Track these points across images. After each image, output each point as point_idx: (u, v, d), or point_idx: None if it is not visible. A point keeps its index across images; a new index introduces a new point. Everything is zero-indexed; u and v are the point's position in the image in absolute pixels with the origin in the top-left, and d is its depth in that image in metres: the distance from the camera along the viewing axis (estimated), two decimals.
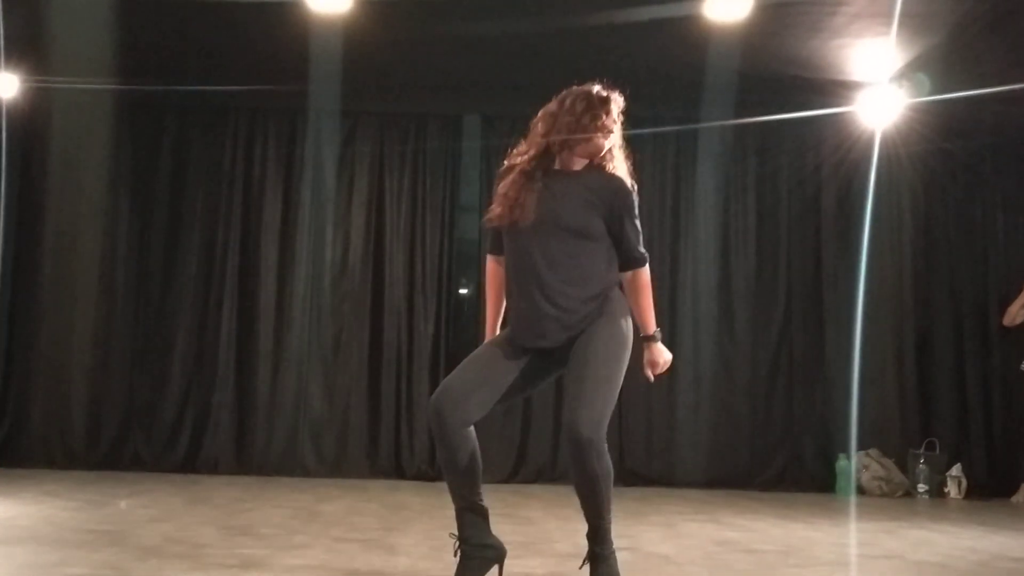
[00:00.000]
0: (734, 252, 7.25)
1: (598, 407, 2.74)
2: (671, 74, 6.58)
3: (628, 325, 2.95)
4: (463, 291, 7.66)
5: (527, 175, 2.93)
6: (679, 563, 3.61)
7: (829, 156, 7.19)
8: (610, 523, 2.91)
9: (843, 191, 7.23)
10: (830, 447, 6.97)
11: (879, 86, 6.55)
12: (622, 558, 3.67)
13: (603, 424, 2.75)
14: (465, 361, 2.99)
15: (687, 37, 5.89)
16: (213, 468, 6.85)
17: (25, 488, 5.48)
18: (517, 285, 2.88)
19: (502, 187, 2.96)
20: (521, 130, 7.58)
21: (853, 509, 5.95)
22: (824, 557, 3.88)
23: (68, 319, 7.02)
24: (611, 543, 2.93)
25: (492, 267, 3.08)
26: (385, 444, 7.00)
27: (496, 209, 2.92)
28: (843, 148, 7.08)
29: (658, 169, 7.29)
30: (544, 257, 2.82)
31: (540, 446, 7.03)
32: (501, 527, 4.43)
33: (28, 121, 6.98)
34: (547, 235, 2.83)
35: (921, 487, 6.76)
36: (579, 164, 2.99)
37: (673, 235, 7.27)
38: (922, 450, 6.89)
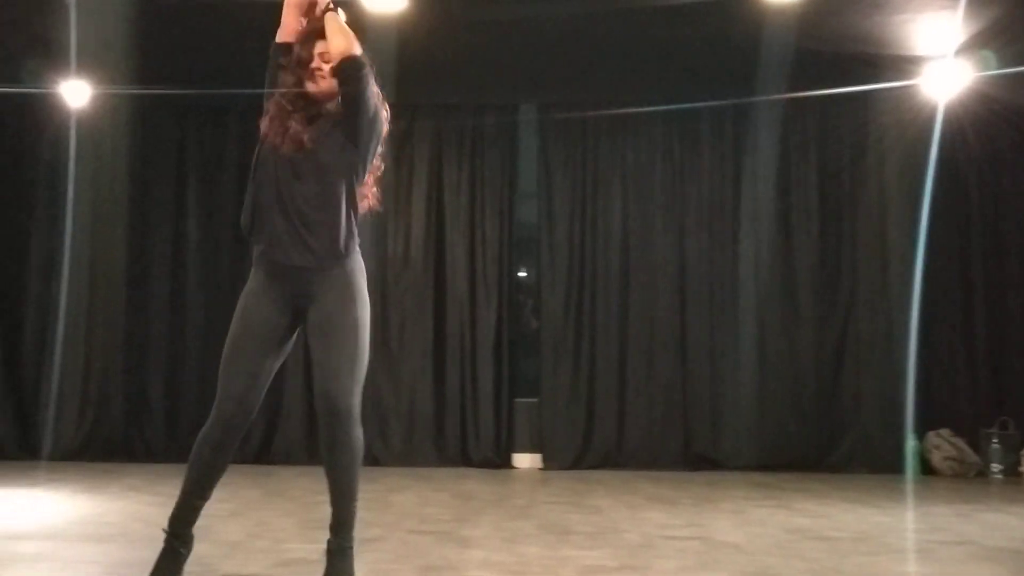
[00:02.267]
0: (796, 230, 7.17)
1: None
2: (728, 54, 6.52)
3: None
4: (522, 274, 7.71)
5: None
6: (750, 552, 3.63)
7: (891, 132, 7.05)
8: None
9: (906, 167, 7.08)
10: (899, 427, 6.87)
11: (943, 60, 6.40)
12: (693, 547, 3.71)
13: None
14: None
15: (744, 17, 5.82)
16: (285, 459, 7.02)
17: (109, 483, 5.69)
18: None
19: None
20: (577, 116, 7.63)
21: (925, 491, 5.89)
22: (896, 544, 3.87)
23: (144, 317, 7.24)
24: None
25: None
26: (451, 432, 7.10)
27: None
28: (905, 124, 6.93)
29: (717, 149, 7.25)
30: None
31: (605, 431, 7.06)
32: (568, 516, 4.52)
33: (99, 127, 7.18)
34: None
35: (995, 467, 6.65)
36: None
37: (733, 214, 7.22)
38: (995, 429, 6.77)
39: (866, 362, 7.03)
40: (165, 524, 2.93)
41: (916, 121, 6.89)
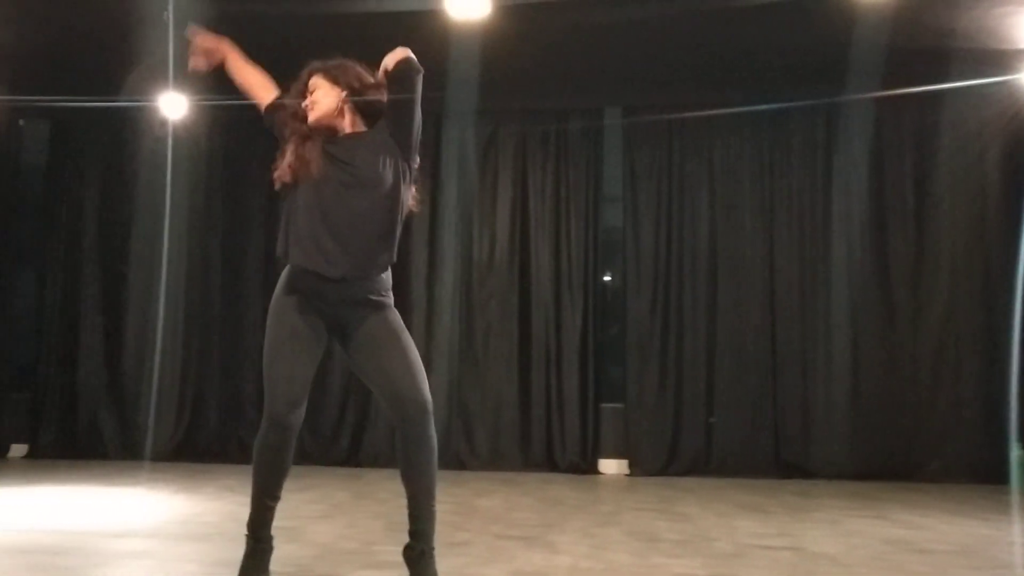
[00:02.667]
0: (891, 231, 6.95)
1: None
2: (816, 56, 6.38)
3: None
4: (607, 278, 7.67)
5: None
6: (847, 564, 3.53)
7: (991, 128, 6.79)
8: None
9: (1009, 163, 6.82)
10: (1003, 435, 6.60)
11: None
12: (785, 557, 3.63)
13: None
14: None
15: (836, 15, 5.68)
16: (374, 461, 7.12)
17: (205, 483, 5.85)
18: None
19: None
20: (662, 119, 7.54)
21: None
22: (1002, 558, 3.71)
23: (238, 322, 7.46)
24: None
25: None
26: (537, 437, 7.10)
27: None
28: (1006, 119, 6.67)
29: (808, 154, 7.08)
30: None
31: (693, 438, 6.96)
32: (656, 523, 4.46)
33: (195, 138, 7.41)
34: None
35: None
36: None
37: (824, 215, 7.04)
38: None
39: (966, 367, 6.77)
40: (245, 528, 3.02)
41: (1016, 116, 6.62)
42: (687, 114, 7.05)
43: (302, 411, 3.00)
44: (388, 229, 2.98)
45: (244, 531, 3.03)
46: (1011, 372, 6.58)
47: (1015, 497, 5.91)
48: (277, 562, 3.36)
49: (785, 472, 6.73)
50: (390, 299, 3.06)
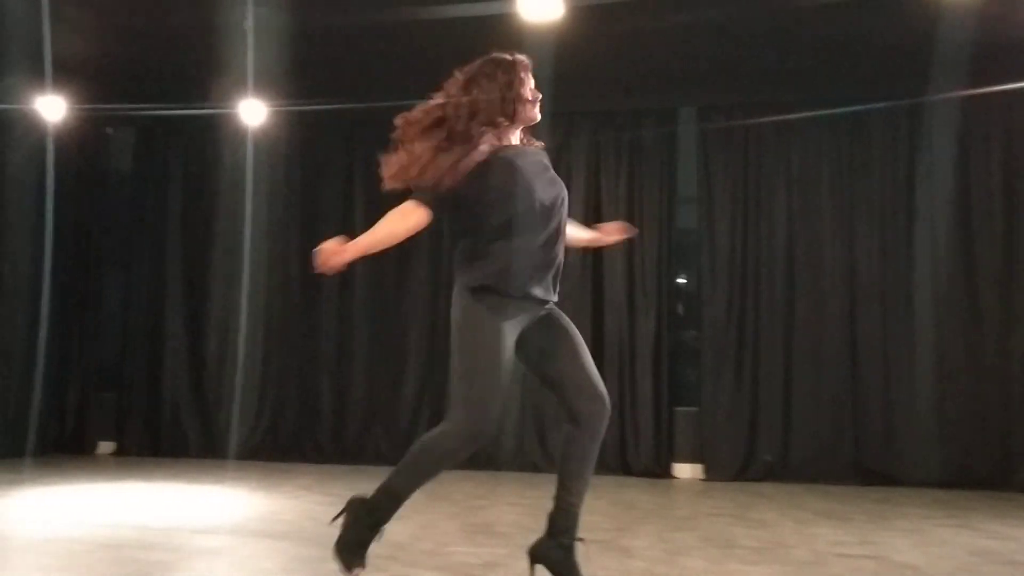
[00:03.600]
0: (977, 231, 6.71)
1: None
2: (898, 51, 6.21)
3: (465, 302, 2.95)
4: (681, 280, 7.58)
5: None
6: (931, 574, 3.42)
7: None
8: None
9: None
10: None
11: None
12: (867, 566, 3.54)
13: None
14: None
15: (919, 10, 5.52)
16: None
17: (283, 483, 5.97)
18: None
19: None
20: (738, 118, 7.45)
21: None
22: None
23: (315, 324, 7.59)
24: None
25: None
26: (610, 440, 7.04)
27: None
28: None
29: (889, 154, 6.89)
30: None
31: (770, 442, 6.84)
32: (732, 529, 4.39)
33: (273, 143, 7.58)
34: None
35: None
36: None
37: (907, 216, 6.84)
38: None
39: None
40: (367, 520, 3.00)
41: None
42: (764, 119, 6.93)
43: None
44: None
45: (367, 523, 3.02)
46: None
47: None
48: None
49: (866, 479, 6.56)
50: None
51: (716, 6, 5.69)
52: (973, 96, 6.43)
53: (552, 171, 3.09)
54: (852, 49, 6.29)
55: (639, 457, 6.97)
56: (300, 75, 6.55)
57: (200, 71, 6.60)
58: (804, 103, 6.87)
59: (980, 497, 5.96)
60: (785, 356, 6.89)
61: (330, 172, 7.73)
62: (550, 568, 2.98)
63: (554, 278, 3.01)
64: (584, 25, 5.84)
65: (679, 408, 7.11)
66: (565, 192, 3.05)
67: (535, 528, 4.27)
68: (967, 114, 6.65)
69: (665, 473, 6.95)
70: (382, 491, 2.99)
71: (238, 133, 7.51)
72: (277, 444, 7.49)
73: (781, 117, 6.81)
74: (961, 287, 6.67)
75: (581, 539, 2.99)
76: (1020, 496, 6.06)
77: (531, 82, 3.10)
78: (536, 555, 3.03)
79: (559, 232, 2.99)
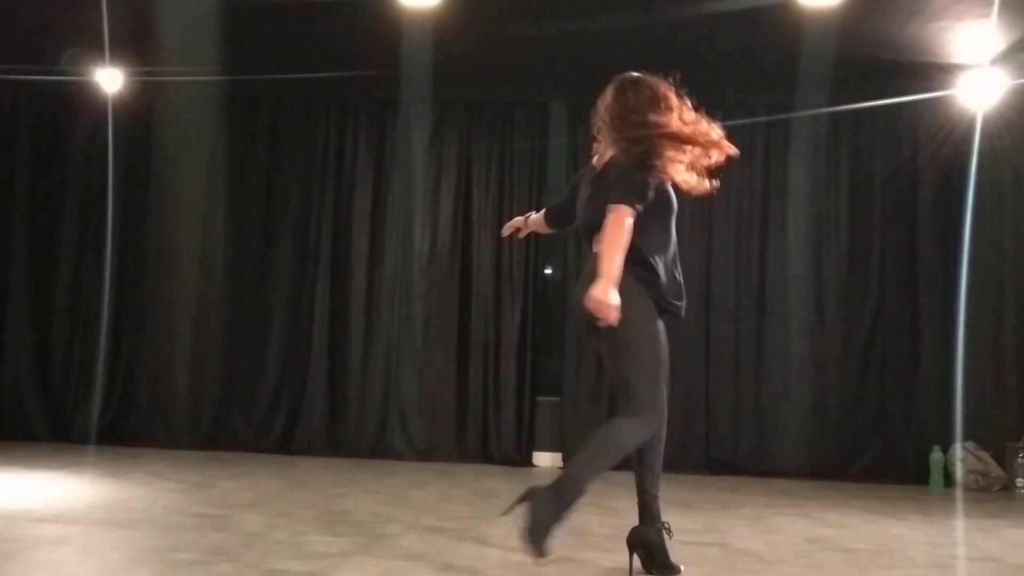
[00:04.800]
0: (825, 243, 7.10)
1: None
2: (762, 62, 6.49)
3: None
4: (548, 271, 7.69)
5: None
6: (769, 561, 3.61)
7: (927, 142, 6.97)
8: None
9: (941, 178, 7.01)
10: (924, 439, 6.81)
11: (980, 68, 6.33)
12: (710, 553, 3.70)
13: None
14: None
15: (779, 24, 5.79)
16: (307, 450, 7.06)
17: (133, 468, 5.75)
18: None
19: None
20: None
21: (948, 504, 5.82)
22: (918, 558, 3.83)
23: (170, 304, 7.32)
24: None
25: None
26: (473, 429, 7.11)
27: None
28: (942, 134, 6.87)
29: (747, 159, 7.18)
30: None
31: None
32: (588, 518, 4.51)
33: (131, 113, 7.27)
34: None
35: (1020, 482, 6.56)
36: None
37: (762, 227, 7.16)
38: (1021, 443, 6.68)
39: (892, 372, 6.96)
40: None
41: (952, 132, 6.82)
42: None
43: None
44: None
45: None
46: (934, 380, 6.81)
47: (933, 499, 6.10)
48: (201, 551, 3.33)
49: (715, 469, 6.85)
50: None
51: (591, 11, 5.79)
52: (826, 113, 6.82)
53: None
54: (716, 61, 6.53)
55: (500, 446, 7.06)
56: (161, 40, 6.31)
57: (53, 36, 6.27)
58: None
59: (819, 487, 6.32)
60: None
61: (192, 144, 7.45)
62: (649, 551, 3.26)
63: None
64: (461, 13, 5.85)
65: (542, 398, 7.23)
66: None
67: (391, 516, 4.28)
68: (819, 129, 7.02)
69: (526, 462, 7.06)
70: (567, 481, 3.12)
71: (95, 103, 7.19)
72: (127, 428, 7.20)
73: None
74: (807, 291, 7.04)
75: (666, 524, 3.30)
76: (855, 486, 6.47)
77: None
78: (635, 542, 3.28)
79: None
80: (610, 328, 3.06)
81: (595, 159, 3.38)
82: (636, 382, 3.12)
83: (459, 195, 7.32)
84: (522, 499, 3.09)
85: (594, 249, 3.20)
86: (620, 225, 3.07)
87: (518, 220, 3.87)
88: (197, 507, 4.36)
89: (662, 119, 3.21)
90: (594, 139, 3.40)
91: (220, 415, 7.24)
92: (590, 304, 3.02)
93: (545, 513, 3.04)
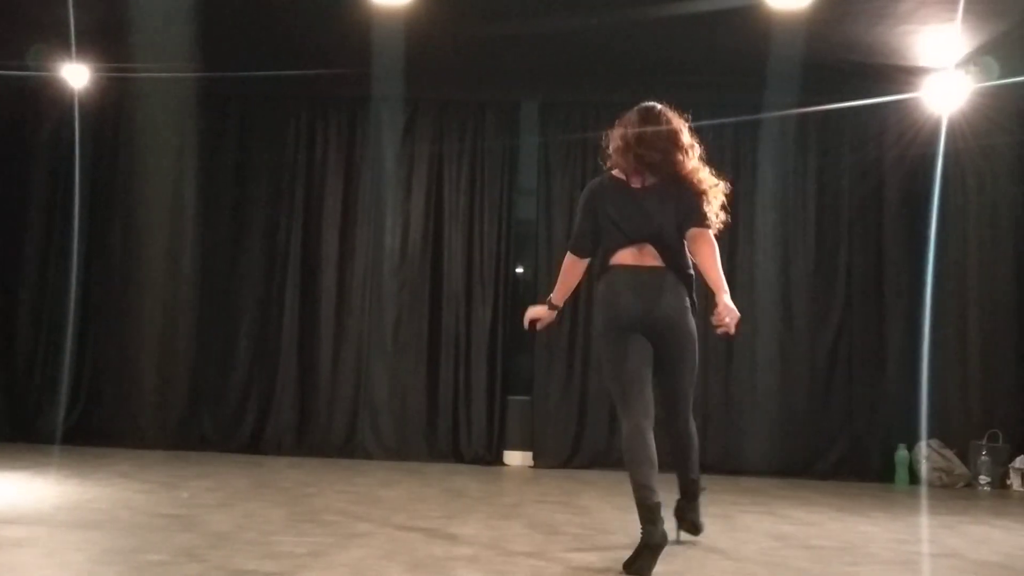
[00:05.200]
0: (793, 242, 7.17)
1: None
2: (732, 64, 6.54)
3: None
4: (519, 270, 7.71)
5: None
6: (736, 559, 3.65)
7: (893, 144, 7.07)
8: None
9: (907, 179, 7.11)
10: (889, 437, 6.90)
11: (945, 72, 6.43)
12: (677, 551, 3.73)
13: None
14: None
15: (748, 26, 5.84)
16: (276, 449, 7.03)
17: (99, 468, 5.69)
18: None
19: None
20: (577, 115, 7.65)
21: (912, 501, 5.91)
22: (882, 555, 3.88)
23: (137, 303, 7.26)
24: None
25: None
26: (443, 428, 7.11)
27: None
28: (907, 135, 6.96)
29: (716, 160, 7.20)
30: None
31: (596, 431, 7.07)
32: (557, 516, 4.53)
33: (98, 110, 7.20)
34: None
35: (983, 479, 6.68)
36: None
37: (731, 227, 7.13)
38: (984, 441, 6.80)
39: (858, 371, 7.04)
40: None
41: (918, 134, 6.91)
42: (602, 111, 7.12)
43: None
44: None
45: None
46: (900, 379, 6.90)
47: (898, 496, 6.18)
48: (169, 551, 3.30)
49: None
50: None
51: (562, 11, 5.81)
52: (795, 114, 6.89)
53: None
54: (686, 62, 6.58)
55: (471, 445, 7.06)
56: (130, 36, 6.25)
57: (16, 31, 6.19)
58: (640, 103, 7.12)
59: (785, 484, 6.39)
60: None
61: (161, 141, 7.38)
62: (688, 521, 3.88)
63: None
64: (432, 12, 5.84)
65: (512, 397, 7.25)
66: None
67: (362, 515, 4.27)
68: (787, 130, 7.09)
69: (496, 461, 7.06)
70: (696, 485, 3.92)
71: (61, 99, 7.10)
72: (93, 428, 7.13)
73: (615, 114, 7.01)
74: (775, 290, 7.11)
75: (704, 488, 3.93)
76: (820, 484, 6.54)
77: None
78: (681, 516, 3.88)
79: None
80: (693, 341, 3.68)
81: (626, 177, 3.57)
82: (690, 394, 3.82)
83: (430, 194, 7.31)
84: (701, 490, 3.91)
85: (651, 254, 3.51)
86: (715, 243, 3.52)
87: (539, 311, 3.90)
88: (164, 507, 4.32)
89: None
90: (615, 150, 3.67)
91: (188, 414, 7.18)
92: (732, 315, 3.40)
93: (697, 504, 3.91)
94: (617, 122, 3.69)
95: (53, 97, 7.13)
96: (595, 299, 3.57)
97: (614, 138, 3.64)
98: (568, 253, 3.72)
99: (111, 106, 7.26)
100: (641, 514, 3.23)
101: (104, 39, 6.40)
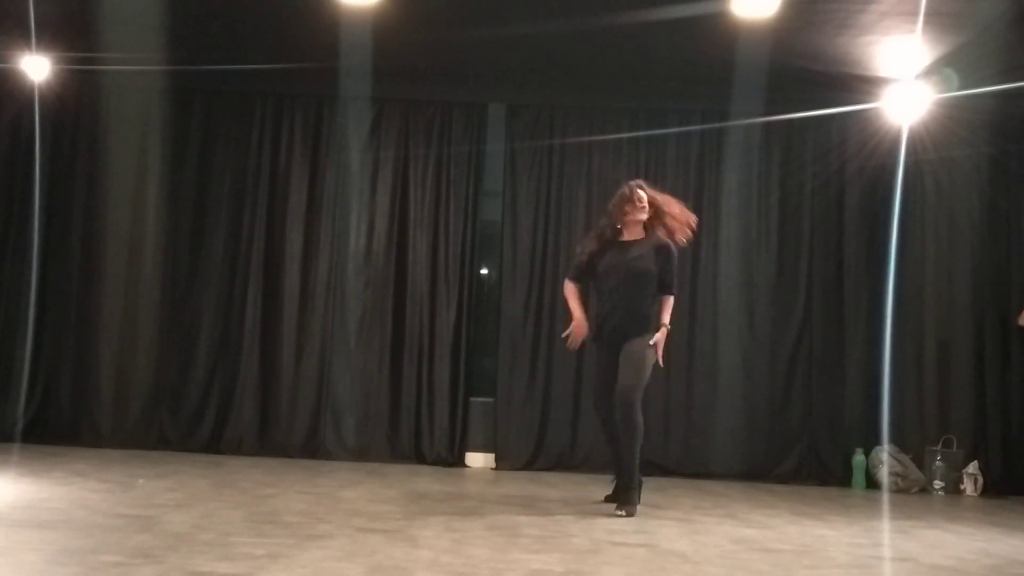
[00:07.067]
0: (755, 249, 7.24)
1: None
2: (696, 71, 6.60)
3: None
4: (484, 271, 7.70)
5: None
6: (695, 562, 3.67)
7: (854, 153, 7.17)
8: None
9: (868, 188, 7.21)
10: (847, 442, 7.00)
11: (906, 82, 6.53)
12: (639, 554, 3.75)
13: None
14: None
15: (713, 34, 5.89)
16: (237, 449, 6.96)
17: (55, 467, 5.60)
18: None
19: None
20: (545, 119, 7.68)
21: (869, 506, 5.99)
22: (839, 558, 3.93)
23: (97, 300, 7.15)
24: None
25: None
26: (406, 429, 7.09)
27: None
28: (869, 145, 7.07)
29: (681, 166, 7.29)
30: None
31: (559, 433, 7.09)
32: (518, 518, 4.54)
33: (58, 103, 7.08)
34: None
35: (937, 484, 6.79)
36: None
37: (695, 232, 7.26)
38: (939, 447, 6.91)
39: (818, 376, 7.13)
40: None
41: (879, 143, 7.01)
42: (569, 114, 7.16)
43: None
44: None
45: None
46: (857, 385, 7.00)
47: (855, 500, 6.27)
48: (126, 552, 3.26)
49: (644, 470, 6.83)
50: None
51: (529, 16, 5.82)
52: (759, 122, 6.97)
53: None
54: (652, 68, 6.62)
55: (433, 446, 7.04)
56: (91, 29, 6.16)
57: None
58: (607, 112, 7.19)
59: (744, 488, 6.45)
60: (577, 351, 7.14)
61: (123, 136, 7.28)
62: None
63: None
64: (400, 11, 5.83)
65: (475, 398, 7.24)
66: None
67: (322, 516, 4.25)
68: (751, 137, 7.17)
69: (458, 462, 7.05)
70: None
71: (20, 91, 6.98)
72: (49, 426, 7.01)
73: (584, 114, 7.04)
74: (737, 295, 7.17)
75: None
76: (780, 488, 6.62)
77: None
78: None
79: None
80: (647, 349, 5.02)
81: (623, 230, 5.22)
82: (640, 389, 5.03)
83: (395, 194, 7.29)
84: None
85: (629, 290, 5.13)
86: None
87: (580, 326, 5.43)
88: (121, 507, 4.27)
89: None
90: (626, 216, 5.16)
91: (147, 413, 7.09)
92: (661, 344, 5.08)
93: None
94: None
95: (12, 89, 7.01)
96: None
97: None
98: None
99: (72, 99, 7.15)
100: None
101: (65, 31, 6.30)
